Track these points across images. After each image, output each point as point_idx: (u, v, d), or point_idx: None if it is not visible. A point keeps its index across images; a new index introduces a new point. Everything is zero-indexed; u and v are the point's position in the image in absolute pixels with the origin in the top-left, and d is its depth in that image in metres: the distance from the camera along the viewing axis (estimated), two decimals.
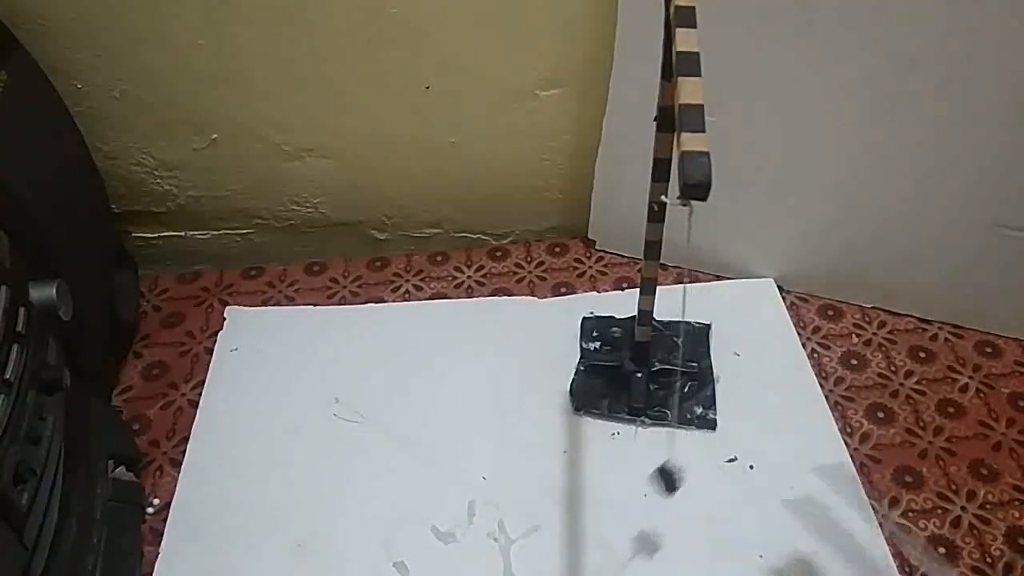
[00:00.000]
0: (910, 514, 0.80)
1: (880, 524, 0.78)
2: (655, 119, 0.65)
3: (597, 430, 0.87)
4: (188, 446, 0.87)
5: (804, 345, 0.95)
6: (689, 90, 0.46)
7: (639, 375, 0.87)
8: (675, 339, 0.93)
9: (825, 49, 0.82)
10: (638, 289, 0.81)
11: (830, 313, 1.00)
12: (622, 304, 0.96)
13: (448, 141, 1.02)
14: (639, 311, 0.82)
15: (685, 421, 0.86)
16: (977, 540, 0.77)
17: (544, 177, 1.08)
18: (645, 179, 0.69)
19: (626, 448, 0.85)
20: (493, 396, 0.90)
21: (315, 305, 1.05)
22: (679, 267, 1.03)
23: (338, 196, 1.08)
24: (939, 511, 0.80)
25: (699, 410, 0.87)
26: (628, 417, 0.86)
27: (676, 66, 0.48)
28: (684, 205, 0.44)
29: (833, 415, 0.87)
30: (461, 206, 1.10)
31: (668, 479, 0.67)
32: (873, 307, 1.00)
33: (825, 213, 0.95)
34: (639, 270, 0.80)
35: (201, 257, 1.12)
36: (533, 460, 0.84)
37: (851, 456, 0.83)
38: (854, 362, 0.94)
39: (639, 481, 0.78)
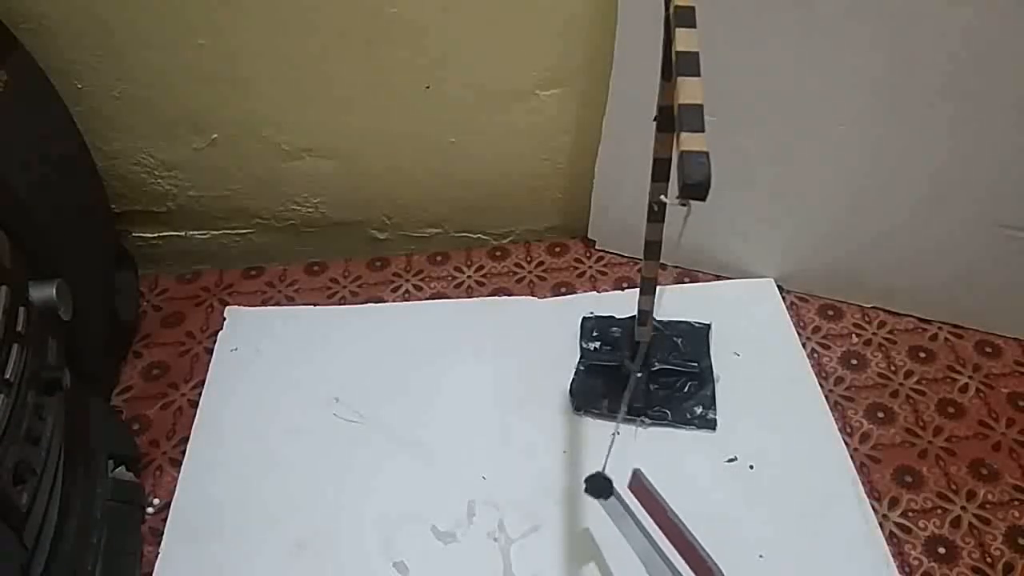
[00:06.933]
0: (910, 514, 0.80)
1: (880, 524, 0.78)
2: (655, 119, 0.65)
3: (597, 430, 0.87)
4: (188, 446, 0.87)
5: (804, 345, 0.95)
6: (689, 90, 0.46)
7: (639, 375, 0.87)
8: (675, 339, 0.93)
9: (825, 49, 0.82)
10: (638, 289, 0.81)
11: (830, 313, 1.00)
12: (622, 304, 0.96)
13: (448, 141, 1.02)
14: (639, 311, 0.82)
15: (685, 421, 0.86)
16: (977, 540, 0.77)
17: (544, 177, 1.08)
18: (645, 179, 0.69)
19: (626, 448, 0.85)
20: (493, 396, 0.90)
21: (315, 305, 1.05)
22: (679, 267, 1.03)
23: (338, 196, 1.08)
24: (939, 511, 0.80)
25: (699, 410, 0.87)
26: (628, 417, 0.86)
27: (676, 66, 0.48)
28: (683, 205, 0.44)
29: (833, 415, 0.87)
30: (461, 206, 1.10)
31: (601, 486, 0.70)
32: (873, 307, 1.00)
33: (825, 213, 0.95)
34: (639, 270, 0.80)
35: (201, 257, 1.12)
36: (533, 460, 0.84)
37: (851, 456, 0.83)
38: (854, 362, 0.94)
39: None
